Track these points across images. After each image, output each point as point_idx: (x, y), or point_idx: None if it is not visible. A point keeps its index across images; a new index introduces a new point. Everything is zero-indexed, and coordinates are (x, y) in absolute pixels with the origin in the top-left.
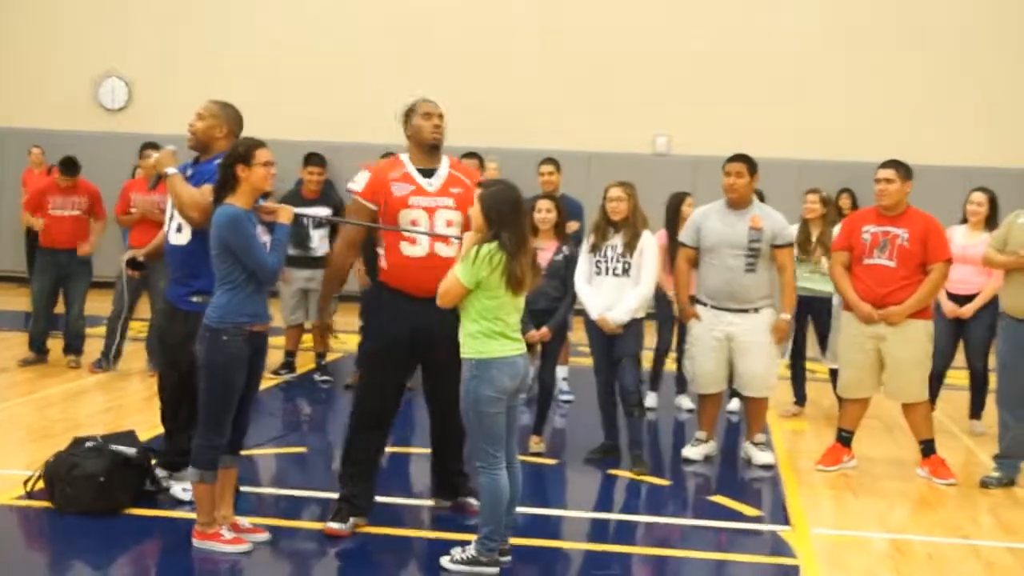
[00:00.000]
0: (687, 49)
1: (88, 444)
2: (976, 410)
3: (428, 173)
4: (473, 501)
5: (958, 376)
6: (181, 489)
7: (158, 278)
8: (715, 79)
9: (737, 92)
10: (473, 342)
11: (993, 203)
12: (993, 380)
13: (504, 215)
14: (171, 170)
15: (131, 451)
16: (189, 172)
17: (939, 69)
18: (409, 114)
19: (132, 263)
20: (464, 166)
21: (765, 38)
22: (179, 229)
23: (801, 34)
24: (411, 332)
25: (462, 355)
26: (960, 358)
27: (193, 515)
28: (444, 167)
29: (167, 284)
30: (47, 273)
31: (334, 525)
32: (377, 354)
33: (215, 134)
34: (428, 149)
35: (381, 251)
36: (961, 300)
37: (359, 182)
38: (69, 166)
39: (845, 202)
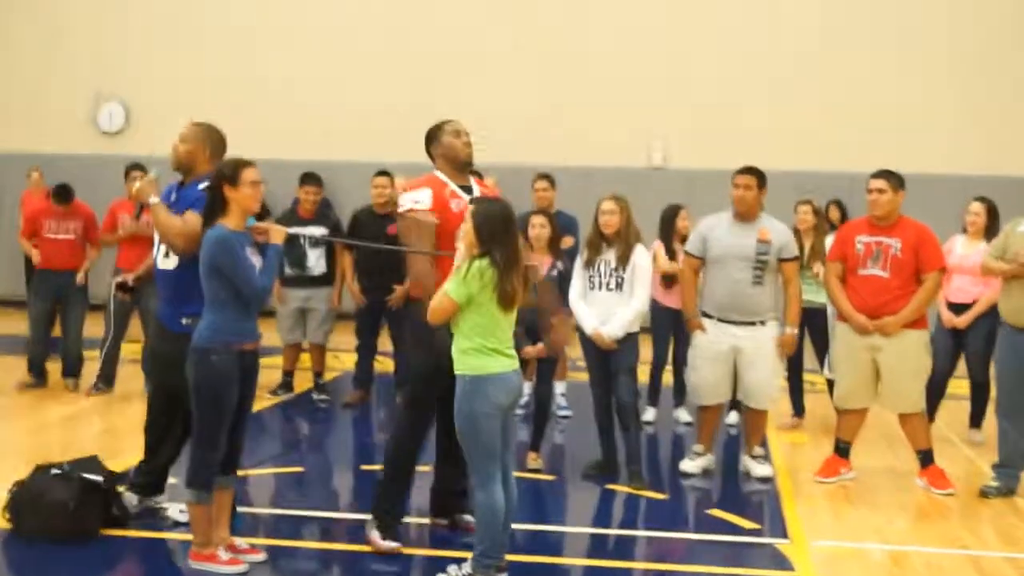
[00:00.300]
0: (682, 64)
1: (54, 471)
2: (976, 420)
3: (466, 190)
4: (469, 518)
5: (958, 385)
6: (179, 511)
7: (149, 299)
8: (710, 93)
9: (732, 105)
10: (468, 359)
11: (992, 212)
12: (993, 389)
13: (495, 231)
14: (154, 199)
15: (98, 477)
16: (173, 196)
17: (936, 78)
18: (436, 133)
19: (122, 286)
20: (484, 184)
21: (761, 52)
22: (167, 254)
23: (796, 47)
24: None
25: (456, 371)
26: (961, 368)
27: (183, 536)
28: (474, 185)
29: (158, 305)
30: (44, 296)
31: (390, 544)
32: (433, 371)
33: (198, 157)
34: (462, 166)
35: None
36: (960, 309)
37: (423, 199)
38: (62, 194)
39: (834, 213)
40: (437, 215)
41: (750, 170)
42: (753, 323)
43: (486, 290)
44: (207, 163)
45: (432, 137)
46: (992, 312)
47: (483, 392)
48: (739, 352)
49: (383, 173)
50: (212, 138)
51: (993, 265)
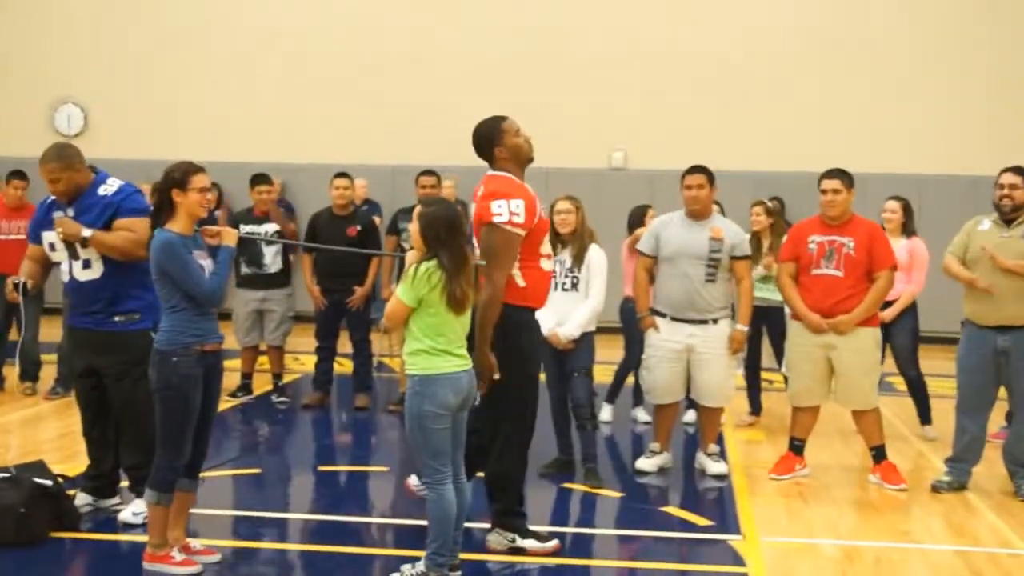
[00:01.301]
0: (641, 65)
1: (1, 475)
2: (924, 416)
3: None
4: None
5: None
6: (132, 513)
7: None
8: (669, 94)
9: (692, 107)
10: (416, 359)
11: (907, 210)
12: (931, 384)
13: (440, 235)
14: (87, 232)
15: (47, 481)
16: (71, 212)
17: (884, 80)
18: (497, 135)
19: (23, 288)
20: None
21: (721, 55)
22: (86, 265)
23: (756, 50)
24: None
25: (406, 371)
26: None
27: (135, 538)
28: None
29: (74, 316)
30: None
31: (548, 544)
32: (534, 378)
33: (77, 179)
34: (526, 164)
35: (516, 271)
36: (883, 305)
37: (520, 212)
38: (17, 174)
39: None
40: (527, 222)
41: (700, 169)
42: (706, 321)
43: (434, 292)
44: (83, 171)
45: (493, 139)
46: (913, 309)
47: (431, 392)
48: (692, 351)
49: (343, 175)
50: (70, 155)
51: (954, 269)
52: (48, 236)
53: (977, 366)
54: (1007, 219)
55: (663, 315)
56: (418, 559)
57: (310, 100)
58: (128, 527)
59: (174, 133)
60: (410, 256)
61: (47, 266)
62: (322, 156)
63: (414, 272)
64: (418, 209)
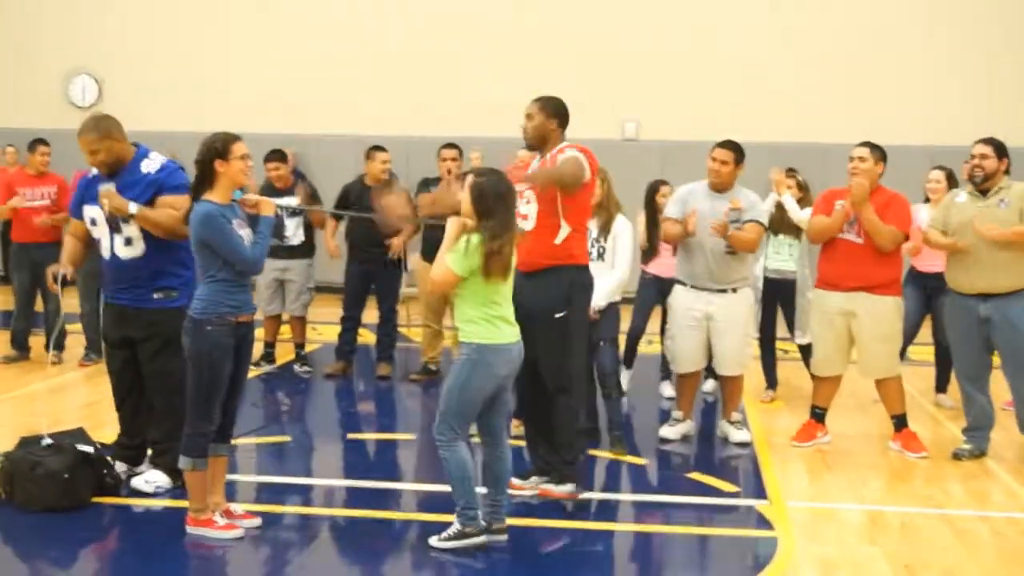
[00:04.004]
0: (654, 34)
1: (45, 442)
2: (942, 384)
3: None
4: (550, 487)
5: (927, 352)
6: (144, 481)
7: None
8: (683, 65)
9: (705, 77)
10: (474, 328)
11: (951, 179)
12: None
13: (489, 205)
14: (133, 208)
15: (90, 448)
16: (113, 186)
17: (910, 51)
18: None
19: (61, 279)
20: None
21: (733, 24)
22: (128, 243)
23: (766, 16)
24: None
25: (461, 339)
26: (922, 335)
27: (176, 503)
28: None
29: (111, 291)
30: (23, 268)
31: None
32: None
33: (118, 152)
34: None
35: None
36: (930, 278)
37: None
38: (41, 141)
39: None
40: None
41: (729, 145)
42: (725, 290)
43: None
44: (124, 144)
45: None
46: None
47: (485, 361)
48: (711, 318)
49: (381, 148)
50: (108, 125)
51: (934, 239)
52: (89, 211)
53: (965, 334)
54: (981, 189)
55: (683, 284)
56: (449, 524)
57: (324, 71)
58: (137, 493)
59: (189, 104)
60: (452, 223)
61: (89, 243)
62: (337, 127)
63: (467, 243)
64: (470, 179)
